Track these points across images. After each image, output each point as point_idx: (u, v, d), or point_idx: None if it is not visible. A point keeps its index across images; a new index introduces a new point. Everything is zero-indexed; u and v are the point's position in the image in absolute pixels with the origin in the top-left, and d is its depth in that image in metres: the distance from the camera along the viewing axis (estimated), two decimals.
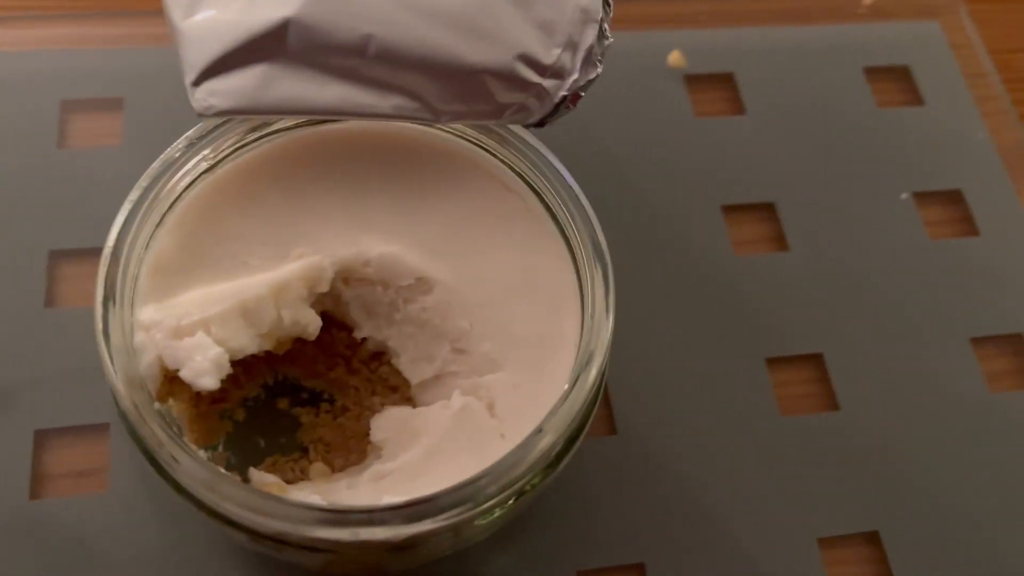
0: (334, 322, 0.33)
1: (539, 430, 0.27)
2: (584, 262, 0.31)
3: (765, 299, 0.40)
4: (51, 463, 0.34)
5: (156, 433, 0.26)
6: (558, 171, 0.32)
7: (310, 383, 0.34)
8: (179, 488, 0.26)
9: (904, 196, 0.43)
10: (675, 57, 0.45)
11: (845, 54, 0.47)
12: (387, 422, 0.30)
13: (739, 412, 0.38)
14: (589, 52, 0.31)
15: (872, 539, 0.36)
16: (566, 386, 0.28)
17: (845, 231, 0.42)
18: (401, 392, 0.33)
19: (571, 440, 0.28)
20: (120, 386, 0.26)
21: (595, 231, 0.30)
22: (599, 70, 0.31)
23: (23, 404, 0.34)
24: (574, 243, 0.31)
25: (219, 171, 0.31)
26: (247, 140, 0.32)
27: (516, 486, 0.27)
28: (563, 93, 0.31)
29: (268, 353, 0.33)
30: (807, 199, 0.43)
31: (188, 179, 0.31)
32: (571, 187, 0.31)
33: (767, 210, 0.42)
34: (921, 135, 0.45)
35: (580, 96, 0.31)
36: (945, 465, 0.37)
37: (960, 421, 0.38)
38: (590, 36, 0.31)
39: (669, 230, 0.41)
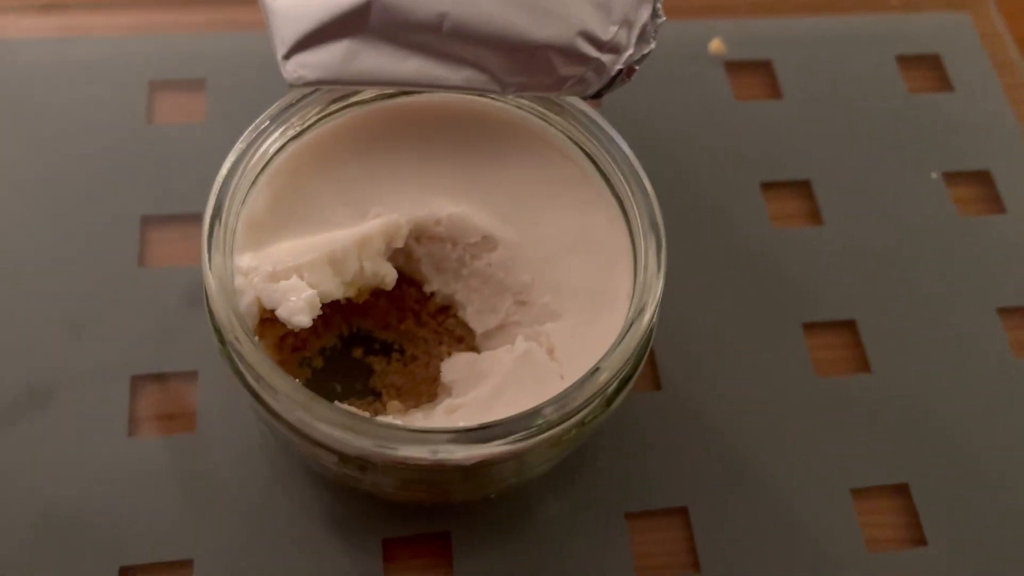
0: (404, 278, 0.36)
1: (596, 368, 0.30)
2: (637, 223, 0.33)
3: (801, 269, 0.43)
4: (145, 407, 0.37)
5: (258, 363, 0.29)
6: (614, 140, 0.34)
7: (382, 334, 0.37)
8: (275, 413, 0.29)
9: (935, 175, 0.46)
10: (716, 44, 0.48)
11: (878, 43, 0.50)
12: (456, 365, 0.33)
13: (777, 372, 0.40)
14: (643, 29, 0.34)
15: (902, 490, 0.38)
16: (622, 333, 0.31)
17: (877, 207, 0.45)
18: (467, 342, 0.36)
19: (625, 380, 0.31)
20: (224, 321, 0.29)
21: (649, 197, 0.33)
22: (652, 46, 0.34)
23: (120, 354, 0.38)
24: (627, 206, 0.34)
25: (305, 138, 0.34)
26: (329, 111, 0.35)
27: (576, 417, 0.30)
28: (619, 67, 0.33)
29: (346, 304, 0.36)
30: (841, 177, 0.45)
31: (277, 144, 0.34)
32: (626, 154, 0.34)
33: (803, 187, 0.45)
34: (951, 119, 0.48)
35: (635, 70, 0.34)
36: (970, 423, 0.40)
37: (986, 385, 0.41)
38: (644, 14, 0.33)
39: (711, 204, 0.44)
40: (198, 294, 0.39)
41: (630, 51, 0.33)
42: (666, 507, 0.37)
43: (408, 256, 0.35)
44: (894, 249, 0.44)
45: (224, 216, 0.31)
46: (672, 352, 0.40)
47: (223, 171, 0.32)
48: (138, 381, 0.37)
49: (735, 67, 0.48)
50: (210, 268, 0.30)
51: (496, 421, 0.28)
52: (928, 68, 0.49)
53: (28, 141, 0.42)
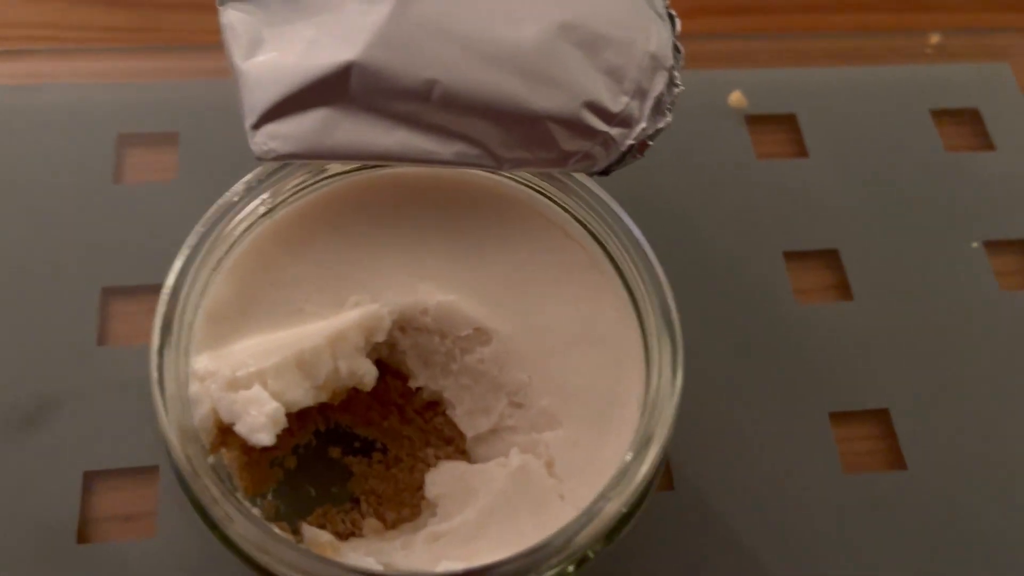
0: (388, 370, 0.32)
1: (604, 498, 0.26)
2: (649, 315, 0.30)
3: (829, 351, 0.39)
4: (99, 506, 0.33)
5: (210, 489, 0.25)
6: (623, 221, 0.31)
7: (363, 431, 0.34)
8: (231, 545, 0.25)
9: (975, 244, 0.42)
10: (736, 97, 0.44)
11: (911, 96, 0.46)
12: (443, 477, 0.29)
13: (801, 469, 0.36)
14: (658, 100, 0.30)
15: None
16: (630, 454, 0.27)
17: (912, 280, 0.41)
18: (456, 444, 0.32)
19: (634, 507, 0.27)
20: (173, 438, 0.26)
21: (663, 289, 0.29)
22: (668, 119, 0.30)
23: (73, 445, 0.34)
24: (638, 295, 0.30)
25: (276, 215, 0.31)
26: (304, 184, 0.31)
27: (578, 555, 0.26)
28: (630, 142, 0.30)
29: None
30: (872, 246, 0.41)
31: (245, 224, 0.30)
32: (637, 240, 0.30)
33: (830, 257, 0.41)
34: (992, 181, 0.44)
35: (648, 145, 0.30)
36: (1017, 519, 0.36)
37: None
38: (660, 84, 0.30)
39: (729, 275, 0.40)
40: None
41: (643, 125, 0.30)
42: None
43: (392, 347, 0.31)
44: (931, 328, 0.40)
45: (179, 309, 0.28)
46: (685, 447, 0.36)
47: (179, 258, 0.28)
48: (92, 477, 0.34)
49: (757, 121, 0.44)
50: (158, 377, 0.26)
51: (483, 567, 0.24)
52: (966, 123, 0.46)
53: None
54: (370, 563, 0.26)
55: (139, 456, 0.34)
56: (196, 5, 0.45)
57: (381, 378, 0.32)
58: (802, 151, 0.44)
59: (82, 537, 0.33)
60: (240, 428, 0.26)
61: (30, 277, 0.37)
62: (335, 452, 0.33)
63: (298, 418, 0.33)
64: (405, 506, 0.32)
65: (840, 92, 0.45)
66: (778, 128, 0.44)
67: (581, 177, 0.31)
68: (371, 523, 0.30)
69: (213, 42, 0.43)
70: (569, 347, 0.30)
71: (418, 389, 0.32)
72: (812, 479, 0.36)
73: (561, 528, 0.25)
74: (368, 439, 0.33)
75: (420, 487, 0.32)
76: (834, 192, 0.43)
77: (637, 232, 0.30)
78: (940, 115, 0.45)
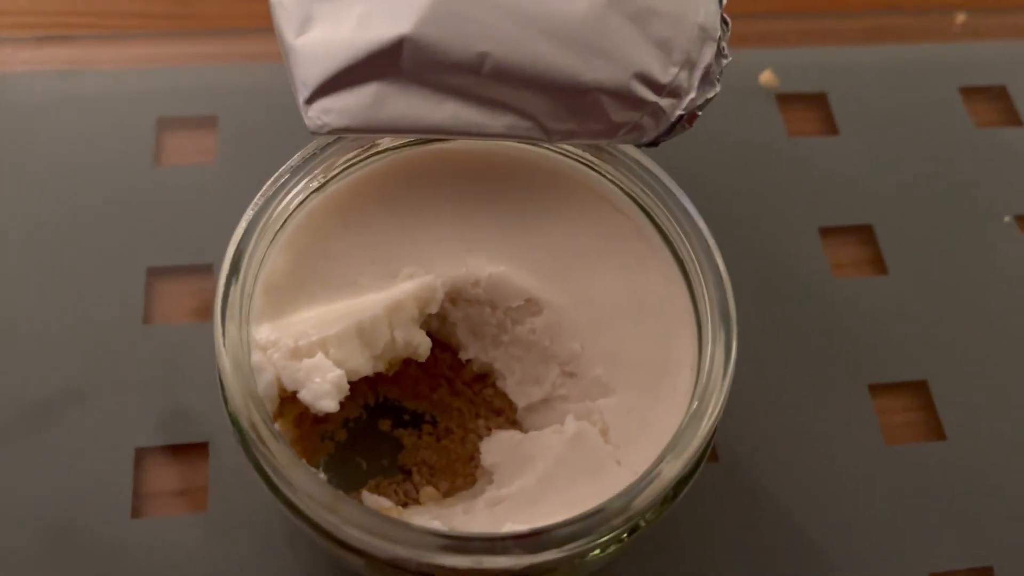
0: (438, 343, 0.33)
1: (662, 461, 0.26)
2: (700, 285, 0.30)
3: (866, 324, 0.39)
4: (151, 482, 0.34)
5: (277, 453, 0.25)
6: (673, 193, 0.31)
7: (412, 404, 0.34)
8: (296, 510, 0.26)
9: (1007, 219, 0.42)
10: (767, 76, 0.45)
11: (939, 73, 0.46)
12: (498, 446, 0.30)
13: (842, 441, 0.36)
14: (707, 71, 0.30)
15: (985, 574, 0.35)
16: (685, 417, 0.28)
17: (946, 254, 0.41)
18: (506, 415, 0.32)
19: (691, 471, 0.28)
20: (240, 405, 0.26)
21: (715, 260, 0.30)
22: (717, 89, 0.30)
23: (123, 422, 0.34)
24: (688, 265, 0.31)
25: (328, 190, 0.31)
26: (355, 160, 0.31)
27: (636, 519, 0.26)
28: (680, 112, 0.30)
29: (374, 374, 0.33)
30: (905, 221, 0.42)
31: (299, 198, 0.30)
32: (685, 208, 0.31)
33: (865, 232, 0.41)
34: (1022, 156, 0.44)
35: (697, 115, 0.30)
36: None
37: None
38: (708, 55, 0.30)
39: (765, 251, 0.40)
40: (208, 356, 0.35)
41: (692, 95, 0.30)
42: None
43: (443, 320, 0.32)
44: (966, 300, 0.40)
45: (241, 280, 0.28)
46: (728, 419, 0.36)
47: (239, 230, 0.29)
48: (144, 454, 0.34)
49: (787, 100, 0.45)
50: (224, 344, 0.27)
51: (548, 527, 0.25)
52: (994, 100, 0.46)
53: (23, 184, 0.39)
54: (436, 526, 0.26)
55: (188, 433, 0.34)
56: None
57: (431, 351, 0.33)
58: (833, 129, 0.44)
59: (136, 512, 0.33)
60: (304, 395, 0.27)
61: (75, 258, 0.37)
62: (385, 425, 0.34)
63: (349, 392, 0.33)
64: (458, 476, 0.32)
65: (869, 71, 0.46)
66: (809, 107, 0.45)
67: (629, 149, 0.31)
68: (428, 491, 0.31)
69: (248, 27, 0.44)
70: (620, 317, 0.31)
71: (468, 361, 0.32)
72: (854, 451, 0.36)
73: (621, 491, 0.26)
74: (417, 412, 0.34)
75: (472, 457, 0.32)
76: (866, 169, 0.43)
77: (686, 200, 0.31)
78: (969, 92, 0.46)
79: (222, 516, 0.33)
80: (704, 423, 0.27)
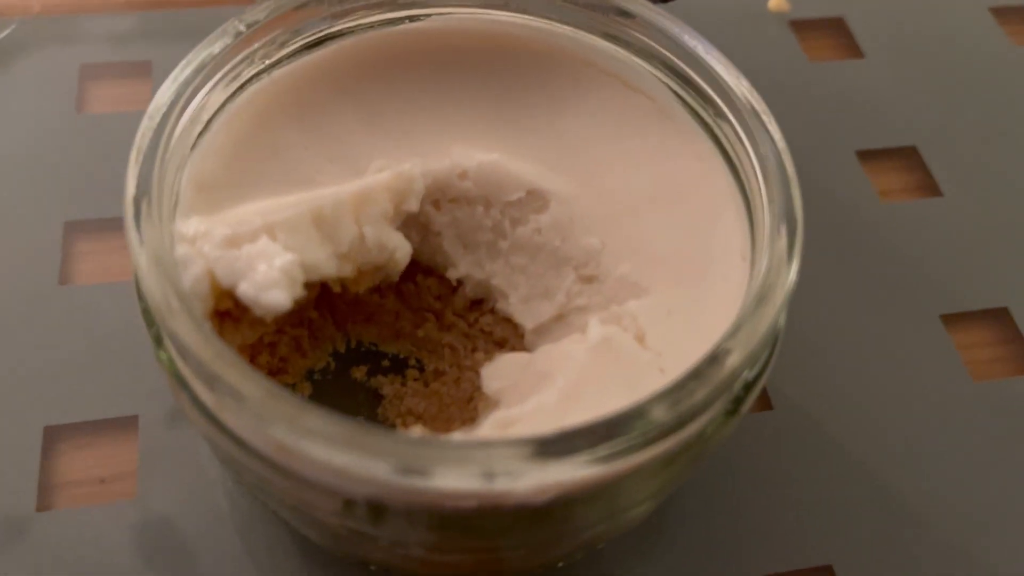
0: (420, 267, 0.26)
1: (721, 350, 0.20)
2: (744, 162, 0.24)
3: (926, 249, 0.33)
4: (64, 467, 0.26)
5: (214, 354, 0.18)
6: (699, 58, 0.25)
7: (392, 347, 0.27)
8: (242, 444, 0.19)
9: None
10: (776, 2, 0.40)
11: None
12: (502, 368, 0.23)
13: (917, 377, 0.30)
14: None
15: None
16: (743, 304, 0.21)
17: (1001, 174, 0.35)
18: (510, 344, 0.26)
19: (759, 373, 0.21)
20: (161, 302, 0.19)
21: (767, 125, 0.23)
22: None
23: (32, 399, 0.27)
24: (729, 143, 0.24)
25: (274, 74, 0.25)
26: (308, 40, 0.26)
27: (695, 423, 0.19)
28: None
29: (340, 306, 0.26)
30: (952, 141, 0.36)
31: (236, 82, 0.24)
32: (721, 78, 0.25)
33: (909, 154, 0.36)
34: None
35: None
36: None
37: None
38: None
39: (802, 179, 0.34)
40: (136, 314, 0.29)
41: None
42: (802, 568, 0.26)
43: (424, 230, 0.25)
44: None
45: (158, 164, 0.21)
46: (780, 363, 0.30)
47: (154, 106, 0.22)
48: (55, 432, 0.27)
49: (803, 26, 0.40)
50: (140, 241, 0.20)
51: (581, 425, 0.18)
52: None
53: None
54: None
55: (115, 405, 0.27)
56: None
57: (411, 276, 0.26)
58: (856, 52, 0.39)
59: (42, 504, 0.26)
60: (246, 289, 0.20)
61: None
62: (359, 373, 0.27)
63: (311, 335, 0.27)
64: (454, 421, 0.25)
65: None
66: (827, 31, 0.40)
67: (643, 10, 0.26)
68: (417, 430, 0.24)
69: None
70: (646, 206, 0.24)
71: (459, 284, 0.26)
72: (934, 390, 0.30)
73: (671, 383, 0.19)
74: (399, 356, 0.27)
75: (471, 398, 0.25)
76: (900, 89, 0.38)
77: (724, 66, 0.25)
78: (1000, 12, 0.41)
79: (154, 503, 0.26)
80: (769, 310, 0.20)
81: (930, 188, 0.35)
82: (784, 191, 0.22)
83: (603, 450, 0.18)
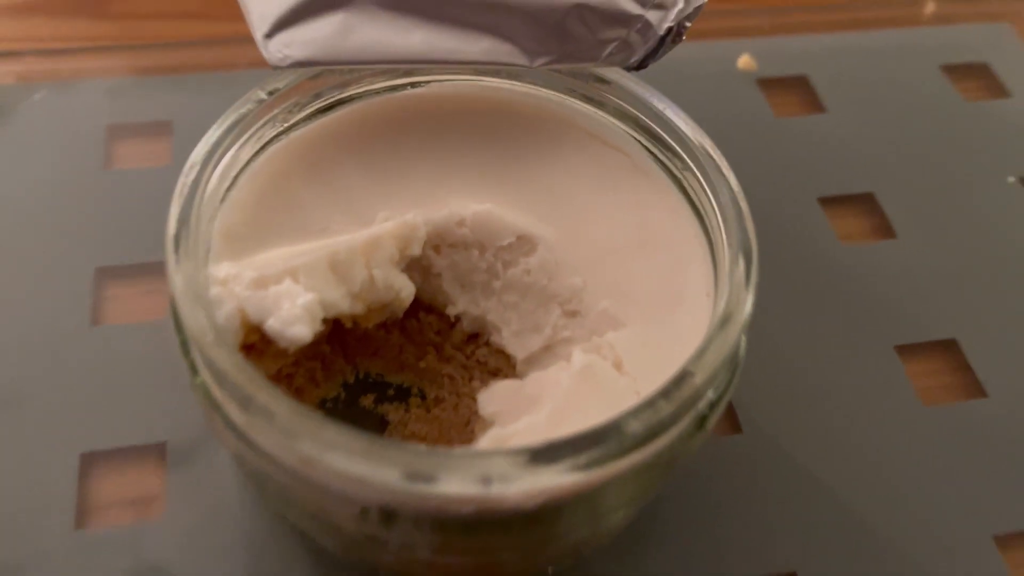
0: (422, 305, 0.29)
1: (686, 372, 0.23)
2: (711, 212, 0.27)
3: (882, 287, 0.36)
4: (99, 490, 0.29)
5: (247, 378, 0.21)
6: (669, 120, 0.28)
7: (396, 378, 0.30)
8: (269, 458, 0.22)
9: (1011, 180, 0.40)
10: (744, 61, 0.43)
11: (920, 53, 0.45)
12: (497, 394, 0.26)
13: (874, 404, 0.33)
14: None
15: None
16: (708, 332, 0.24)
17: (953, 216, 0.39)
18: (503, 373, 0.29)
19: (721, 393, 0.24)
20: (196, 329, 0.22)
21: (728, 182, 0.27)
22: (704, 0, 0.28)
23: (68, 427, 0.30)
24: (695, 195, 0.28)
25: (291, 135, 0.28)
26: (320, 105, 0.29)
27: (666, 437, 0.22)
28: (668, 24, 0.28)
29: (350, 341, 0.29)
30: (907, 187, 0.40)
31: (257, 145, 0.28)
32: (686, 135, 0.28)
33: (867, 201, 0.39)
34: (1017, 123, 0.42)
35: (685, 28, 0.28)
36: None
37: None
38: None
39: (768, 223, 0.37)
40: (163, 351, 0.32)
41: (679, 5, 0.28)
42: (770, 574, 0.29)
43: (426, 272, 0.28)
44: (982, 257, 0.37)
45: (194, 216, 0.24)
46: (749, 390, 0.33)
47: (191, 163, 0.25)
48: (90, 459, 0.30)
49: (769, 84, 0.43)
50: (179, 277, 0.23)
51: (566, 437, 0.21)
52: (979, 78, 0.45)
53: None
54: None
55: (144, 433, 0.30)
56: (176, 14, 0.44)
57: (414, 313, 0.29)
58: (820, 107, 0.43)
59: (80, 523, 0.28)
60: (273, 324, 0.23)
61: (19, 259, 0.34)
62: (366, 401, 0.29)
63: (324, 367, 0.29)
64: (455, 442, 0.28)
65: (848, 53, 0.45)
66: (792, 89, 0.43)
67: (617, 77, 0.29)
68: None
69: (198, 36, 0.42)
70: (623, 250, 0.28)
71: (457, 320, 0.29)
72: (889, 415, 0.33)
73: (643, 400, 0.22)
74: (402, 385, 0.30)
75: (469, 421, 0.28)
76: (860, 140, 0.41)
77: (686, 123, 0.28)
78: (951, 70, 0.45)
79: (181, 522, 0.28)
80: (730, 334, 0.23)
81: (886, 231, 0.38)
82: (740, 227, 0.25)
83: (585, 458, 0.21)
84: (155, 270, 0.34)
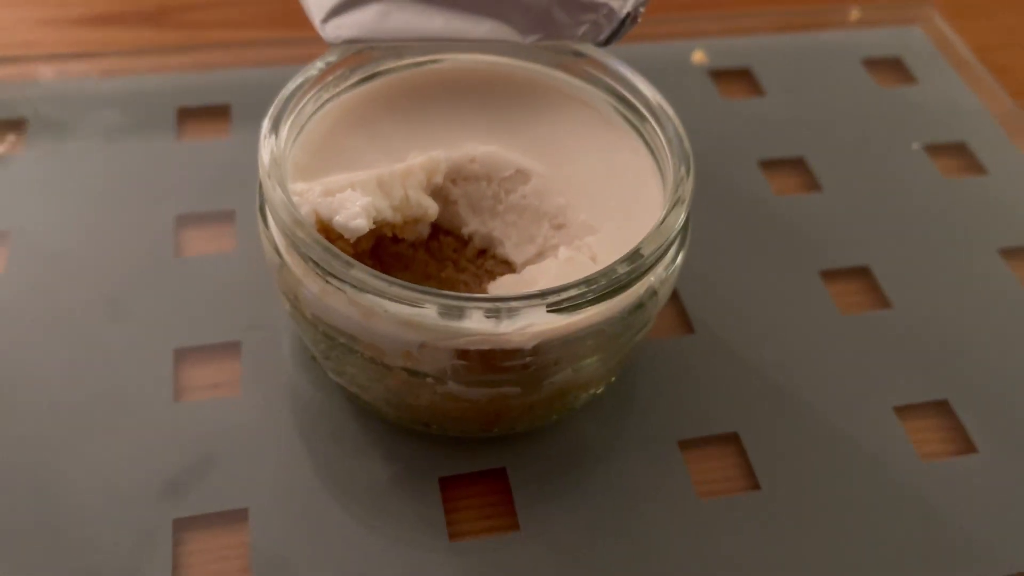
0: (441, 229, 0.38)
1: (638, 248, 0.31)
2: (664, 151, 0.35)
3: (812, 227, 0.45)
4: (189, 376, 0.37)
5: (328, 247, 0.29)
6: (628, 81, 0.37)
7: (424, 285, 0.38)
8: (339, 314, 0.30)
9: (915, 146, 0.49)
10: (698, 55, 0.52)
11: (843, 50, 0.55)
12: (502, 283, 0.34)
13: (802, 313, 0.41)
14: None
15: (943, 407, 0.39)
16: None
17: (869, 175, 0.48)
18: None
19: (669, 270, 0.32)
20: (288, 224, 0.30)
21: (675, 125, 0.35)
22: None
23: (162, 327, 0.38)
24: (651, 139, 0.36)
25: (341, 97, 0.37)
26: (361, 76, 0.38)
27: (646, 279, 0.31)
28: (627, 10, 0.37)
29: (384, 262, 0.38)
30: (832, 152, 0.48)
31: (316, 104, 0.36)
32: (646, 96, 0.37)
33: (799, 163, 0.48)
34: (920, 104, 0.52)
35: (640, 14, 0.37)
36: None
37: None
38: None
39: (714, 183, 0.46)
40: (238, 270, 0.40)
41: None
42: (717, 433, 0.37)
43: (445, 199, 0.37)
44: (891, 207, 0.46)
45: (276, 148, 0.33)
46: (701, 298, 0.41)
47: (270, 114, 0.34)
48: (182, 353, 0.38)
49: (718, 74, 0.52)
50: (272, 187, 0.31)
51: (551, 287, 0.29)
52: (893, 70, 0.54)
53: (73, 161, 0.44)
54: None
55: (223, 333, 0.38)
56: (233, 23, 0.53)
57: (435, 235, 0.38)
58: (760, 92, 0.52)
59: (176, 398, 0.36)
60: (340, 219, 0.31)
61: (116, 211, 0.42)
62: None
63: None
64: None
65: (785, 49, 0.54)
66: (737, 79, 0.52)
67: (591, 51, 0.38)
68: None
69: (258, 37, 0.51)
70: (597, 177, 0.36)
71: (469, 238, 0.37)
72: (809, 321, 0.41)
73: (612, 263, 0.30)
74: None
75: None
76: (793, 117, 0.50)
77: (646, 87, 0.37)
78: (869, 63, 0.54)
79: (255, 397, 0.37)
80: (678, 213, 0.32)
81: (814, 187, 0.47)
82: (681, 150, 0.34)
83: (566, 301, 0.29)
84: (222, 217, 0.43)
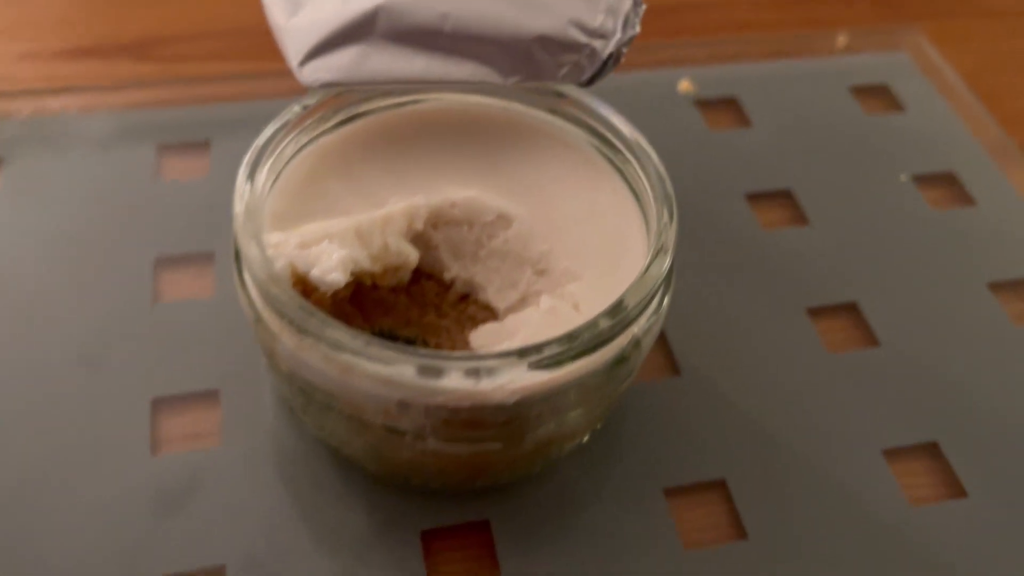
0: (423, 273, 0.37)
1: (622, 299, 0.31)
2: (646, 192, 0.35)
3: (797, 264, 0.44)
4: (168, 429, 0.37)
5: (303, 305, 0.29)
6: (613, 124, 0.36)
7: (405, 332, 0.38)
8: (315, 370, 0.29)
9: (903, 178, 0.49)
10: (685, 84, 0.52)
11: (829, 77, 0.54)
12: (483, 332, 0.33)
13: (789, 352, 0.41)
14: (627, 16, 0.37)
15: (933, 450, 0.38)
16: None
17: (856, 208, 0.47)
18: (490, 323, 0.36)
19: (652, 321, 0.32)
20: (262, 280, 0.30)
21: (658, 168, 0.35)
22: (636, 30, 0.37)
23: (139, 376, 0.38)
24: (632, 179, 0.36)
25: (320, 140, 0.36)
26: (340, 120, 0.37)
27: (630, 331, 0.31)
28: (609, 51, 0.36)
29: (367, 302, 0.37)
30: (818, 185, 0.48)
31: (291, 149, 0.36)
32: (625, 135, 0.36)
33: (786, 196, 0.48)
34: (908, 133, 0.51)
35: (623, 54, 0.37)
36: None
37: None
38: (627, 3, 0.37)
39: (699, 216, 0.46)
40: (216, 316, 0.39)
41: (617, 35, 0.36)
42: (704, 480, 0.37)
43: (426, 244, 0.36)
44: (879, 240, 0.46)
45: (247, 203, 0.32)
46: (687, 339, 0.41)
47: (246, 160, 0.33)
48: (159, 403, 0.37)
49: (705, 104, 0.52)
50: (246, 239, 0.31)
51: (533, 343, 0.29)
52: (880, 97, 0.54)
53: (50, 202, 0.43)
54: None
55: (202, 381, 0.38)
56: (214, 56, 0.52)
57: (417, 280, 0.37)
58: (747, 123, 0.51)
59: (155, 451, 0.36)
60: (316, 273, 0.31)
61: (92, 254, 0.41)
62: None
63: (346, 323, 0.37)
64: None
65: (772, 78, 0.54)
66: (724, 109, 0.52)
67: (575, 95, 0.37)
68: None
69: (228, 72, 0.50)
70: (579, 221, 0.36)
71: (451, 282, 0.37)
72: (800, 360, 0.41)
73: (592, 318, 0.30)
74: (410, 338, 0.38)
75: None
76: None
77: (625, 127, 0.36)
78: (857, 90, 0.54)
79: (235, 447, 0.36)
80: (661, 263, 0.31)
81: (801, 220, 0.47)
82: (664, 193, 0.33)
83: (547, 359, 0.29)
84: (201, 258, 0.42)
